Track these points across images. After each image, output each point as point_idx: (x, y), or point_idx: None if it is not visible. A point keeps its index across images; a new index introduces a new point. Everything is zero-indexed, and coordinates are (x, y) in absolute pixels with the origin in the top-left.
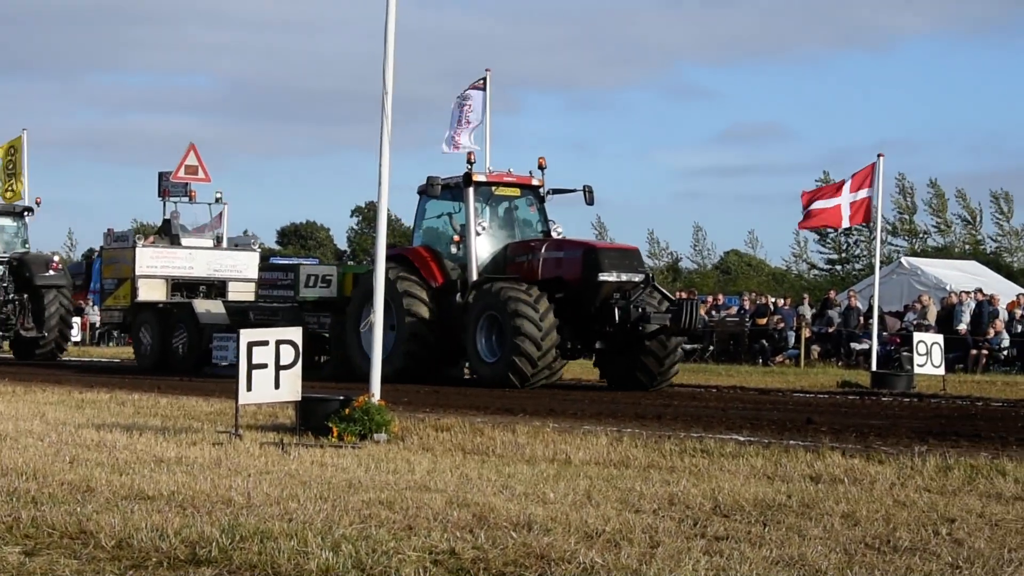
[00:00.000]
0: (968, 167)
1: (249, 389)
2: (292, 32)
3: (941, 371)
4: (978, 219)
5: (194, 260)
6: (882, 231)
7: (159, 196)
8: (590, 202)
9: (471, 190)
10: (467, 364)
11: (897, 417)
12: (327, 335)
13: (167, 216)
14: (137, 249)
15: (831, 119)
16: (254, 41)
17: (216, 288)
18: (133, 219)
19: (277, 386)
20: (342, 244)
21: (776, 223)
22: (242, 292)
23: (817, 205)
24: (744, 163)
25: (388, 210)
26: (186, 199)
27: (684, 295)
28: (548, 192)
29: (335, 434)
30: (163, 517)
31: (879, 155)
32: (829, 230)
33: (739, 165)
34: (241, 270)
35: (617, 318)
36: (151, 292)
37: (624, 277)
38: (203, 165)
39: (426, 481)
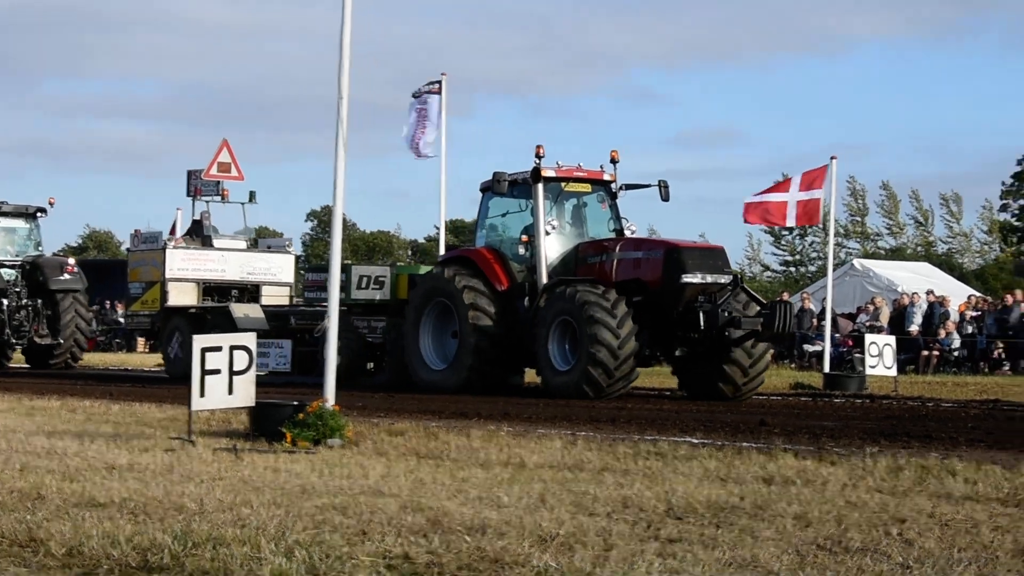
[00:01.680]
0: (918, 170)
1: (202, 395)
2: (246, 38)
3: (893, 372)
4: (929, 221)
5: (227, 262)
6: (835, 232)
7: (188, 195)
8: (665, 198)
9: (540, 186)
10: (524, 372)
11: (849, 418)
12: (379, 340)
13: (197, 216)
14: (167, 251)
15: (783, 123)
16: (207, 47)
17: (249, 292)
18: (85, 224)
19: (231, 392)
20: (298, 247)
21: (729, 226)
22: (276, 296)
23: (763, 198)
24: (696, 167)
25: (343, 215)
26: (218, 198)
27: (779, 297)
28: (621, 188)
29: (289, 439)
30: (115, 524)
31: (832, 157)
32: (784, 232)
33: (691, 169)
34: (275, 273)
35: (702, 323)
36: (181, 296)
37: (709, 279)
38: (236, 162)
39: (380, 486)
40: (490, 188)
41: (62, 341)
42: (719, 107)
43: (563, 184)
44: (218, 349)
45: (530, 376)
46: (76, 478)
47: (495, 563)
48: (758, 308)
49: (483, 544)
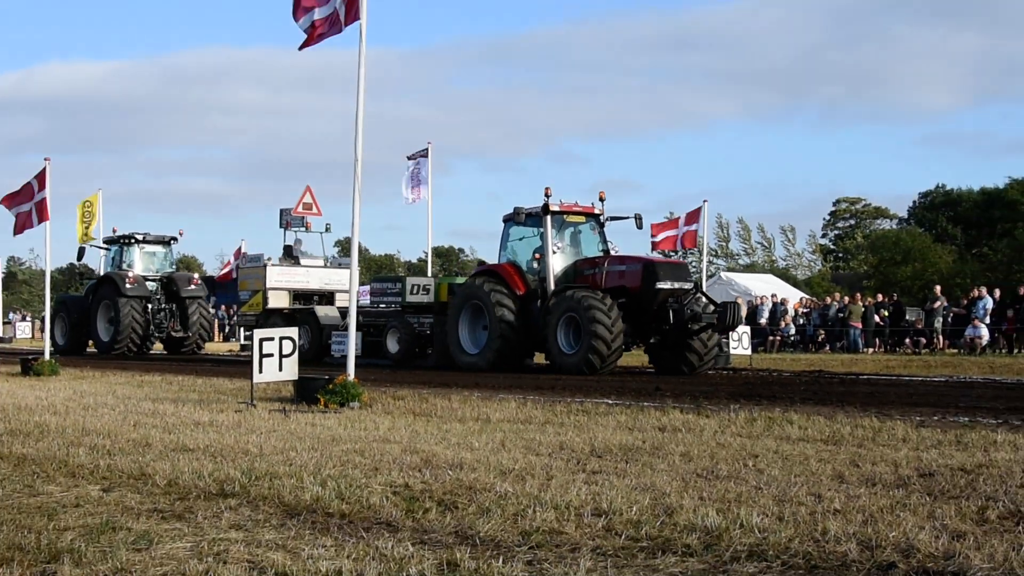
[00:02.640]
0: (765, 209)
1: (260, 371)
2: (281, 117)
3: (748, 352)
4: (772, 245)
5: (310, 276)
6: (707, 254)
7: (280, 227)
8: (640, 226)
9: (548, 217)
10: (534, 355)
11: (719, 385)
12: (427, 332)
13: (288, 243)
14: (268, 267)
15: (668, 176)
16: (255, 124)
17: (326, 297)
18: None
19: (281, 369)
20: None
21: (632, 250)
22: (345, 300)
23: (662, 235)
24: (608, 208)
25: (359, 243)
26: (303, 229)
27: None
28: (606, 219)
29: (322, 403)
30: (200, 463)
31: (704, 201)
32: (672, 253)
33: (605, 209)
34: (345, 283)
35: (671, 318)
36: (278, 300)
37: (676, 285)
38: (316, 202)
39: (387, 436)
40: (511, 219)
41: (190, 334)
42: (623, 164)
43: (564, 216)
44: (271, 339)
45: (538, 358)
46: (172, 431)
47: (470, 489)
48: (713, 307)
49: (461, 476)
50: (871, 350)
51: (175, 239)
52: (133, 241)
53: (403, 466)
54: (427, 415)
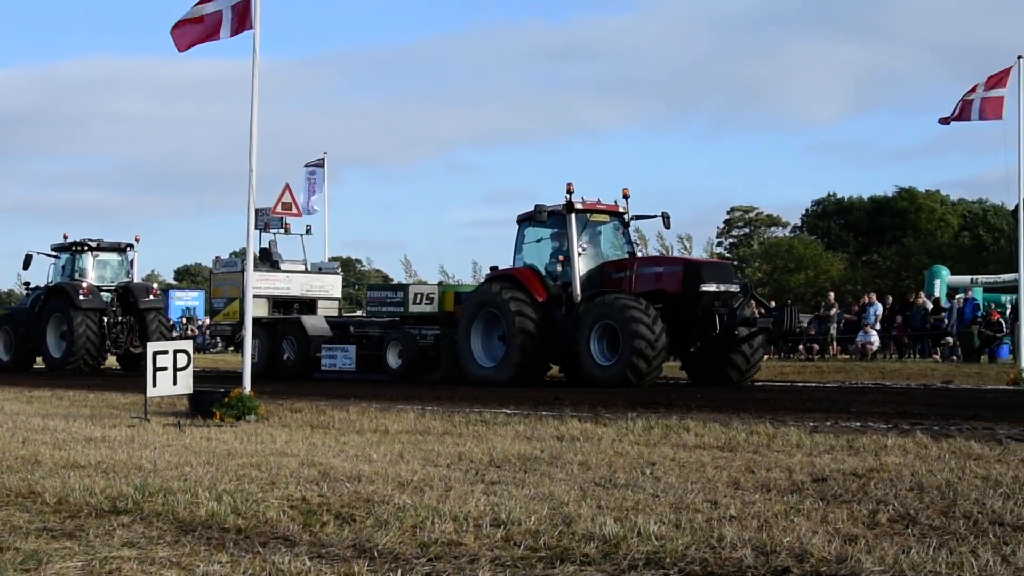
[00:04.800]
0: None
1: (154, 385)
2: (170, 126)
3: None
4: (670, 253)
5: (291, 282)
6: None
7: (256, 229)
8: (668, 226)
9: (573, 216)
10: (548, 368)
11: (617, 394)
12: (428, 344)
13: (264, 245)
14: (246, 273)
15: (561, 185)
16: (143, 134)
17: (307, 305)
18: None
19: (175, 383)
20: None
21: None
22: (328, 308)
23: None
24: (503, 217)
25: (254, 254)
26: (282, 231)
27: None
28: (631, 218)
29: (218, 416)
30: (92, 480)
31: None
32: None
33: (499, 219)
34: (328, 290)
35: (718, 324)
36: (256, 309)
37: (722, 287)
38: (296, 202)
39: (284, 448)
40: (527, 219)
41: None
42: (517, 173)
43: (588, 215)
44: (165, 352)
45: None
46: (63, 447)
47: (367, 502)
48: (762, 311)
49: (359, 489)
50: (766, 356)
51: (131, 246)
52: (86, 248)
53: (300, 479)
54: (325, 427)
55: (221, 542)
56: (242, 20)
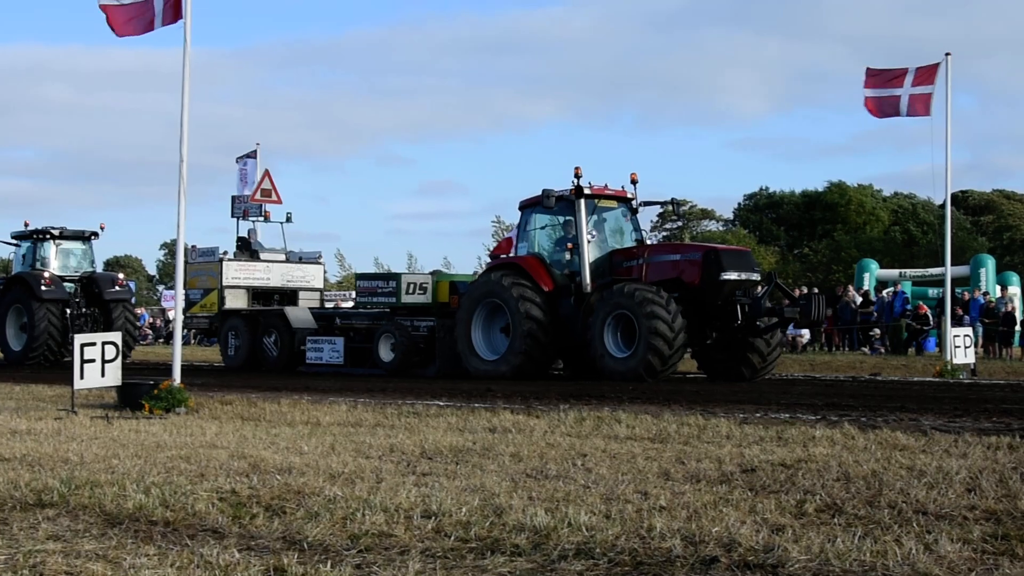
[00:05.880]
0: None
1: (82, 377)
2: (95, 116)
3: None
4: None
5: (271, 272)
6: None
7: (233, 216)
8: (677, 213)
9: (582, 202)
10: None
11: (549, 386)
12: (421, 336)
13: (242, 234)
14: (224, 263)
15: (492, 178)
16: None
17: (288, 296)
18: None
19: (103, 375)
20: (152, 270)
21: (462, 250)
22: (310, 300)
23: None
24: (435, 210)
25: (186, 244)
26: (261, 219)
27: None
28: (639, 204)
29: (147, 409)
30: (17, 473)
31: None
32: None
33: (431, 211)
34: (309, 280)
35: (740, 315)
36: (236, 300)
37: (744, 276)
38: (276, 189)
39: (214, 441)
40: (530, 205)
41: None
42: (447, 166)
43: (596, 201)
44: (93, 344)
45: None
46: None
47: (298, 494)
48: (790, 301)
49: (290, 481)
50: None
51: (96, 235)
52: (48, 237)
53: (230, 472)
54: (256, 419)
55: (149, 535)
56: (174, 10)
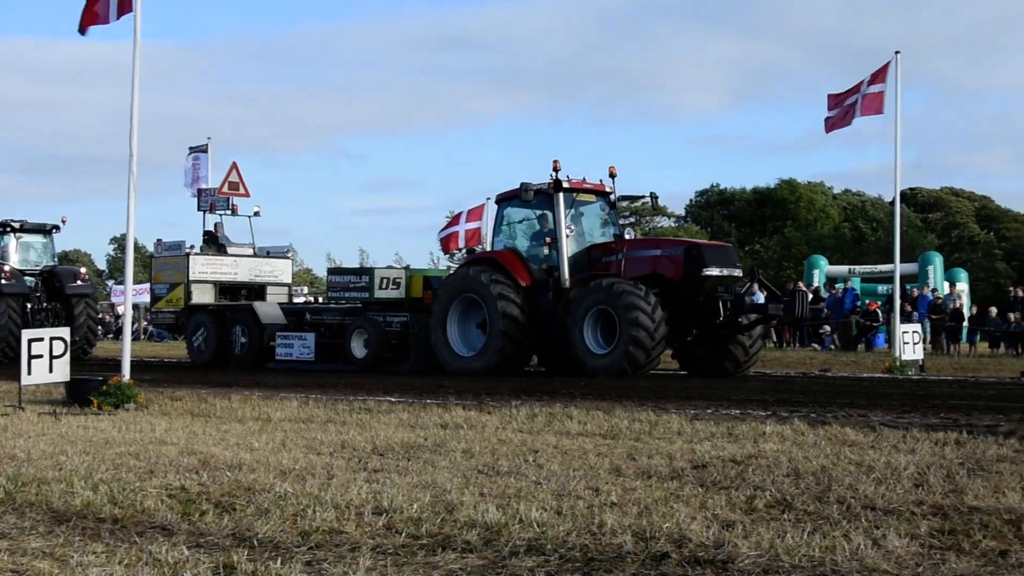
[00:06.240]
0: None
1: (29, 373)
2: (44, 110)
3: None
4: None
5: (238, 266)
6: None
7: (199, 210)
8: (656, 207)
9: (560, 195)
10: (531, 358)
11: (502, 382)
12: (395, 332)
13: (209, 228)
14: (191, 257)
15: (447, 174)
16: (16, 117)
17: (256, 291)
18: None
19: (51, 371)
20: (101, 265)
21: (415, 246)
22: (278, 295)
23: (447, 231)
24: (387, 205)
25: (135, 239)
26: (229, 212)
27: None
28: (617, 198)
29: (96, 405)
30: None
31: (487, 198)
32: (455, 251)
33: (383, 207)
34: (277, 275)
35: (722, 311)
36: (203, 295)
37: (725, 271)
38: (243, 182)
39: (164, 437)
40: (507, 199)
41: (77, 338)
42: (402, 162)
43: (575, 194)
44: (41, 340)
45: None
46: None
47: (248, 491)
48: (773, 297)
49: (240, 478)
50: None
51: (57, 228)
52: (8, 229)
53: (179, 468)
54: (206, 416)
55: (96, 532)
56: (124, 2)
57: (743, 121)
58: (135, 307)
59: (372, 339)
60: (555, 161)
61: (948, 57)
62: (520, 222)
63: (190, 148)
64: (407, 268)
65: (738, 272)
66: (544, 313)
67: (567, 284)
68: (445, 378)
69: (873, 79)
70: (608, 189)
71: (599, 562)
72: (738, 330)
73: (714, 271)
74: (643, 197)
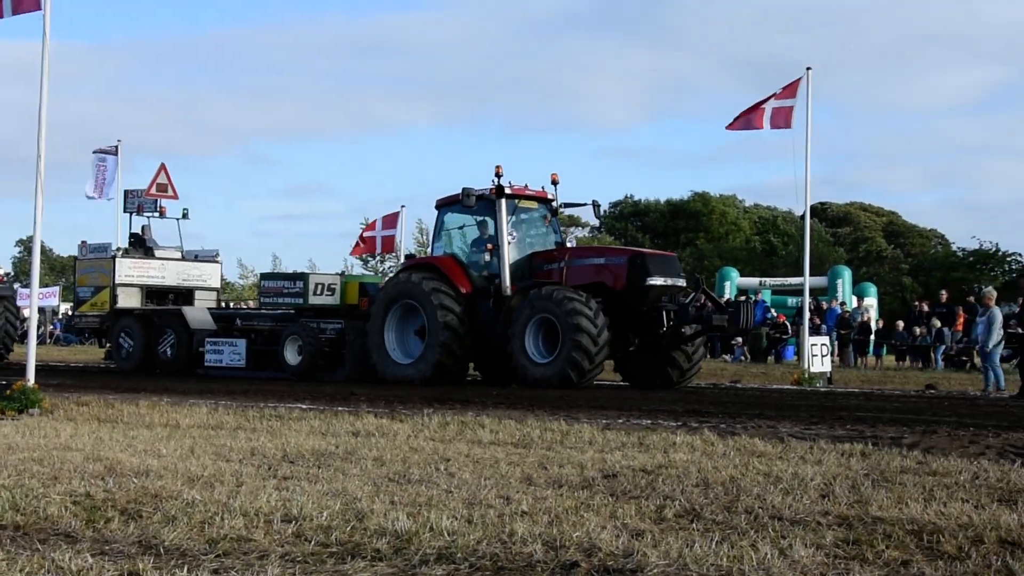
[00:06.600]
0: None
1: None
2: None
3: None
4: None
5: (166, 270)
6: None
7: (125, 211)
8: (597, 215)
9: (503, 201)
10: (468, 367)
11: (413, 390)
12: (329, 339)
13: (135, 231)
14: (117, 260)
15: (362, 180)
16: None
17: (183, 295)
18: None
19: None
20: (7, 267)
21: (328, 252)
22: (206, 300)
23: (365, 235)
24: (301, 211)
25: (42, 242)
26: (156, 214)
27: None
28: (559, 205)
29: None
30: None
31: (402, 206)
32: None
33: (297, 212)
34: (206, 279)
35: (666, 321)
36: (129, 299)
37: (669, 281)
38: (172, 184)
39: (69, 443)
40: (448, 204)
41: None
42: (315, 168)
43: (517, 201)
44: None
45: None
46: None
47: (155, 498)
48: (717, 308)
49: (147, 484)
50: None
51: None
52: None
53: (85, 474)
54: (113, 421)
55: None
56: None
57: (657, 132)
58: (41, 311)
59: (306, 346)
60: (497, 166)
61: (858, 74)
62: (460, 228)
63: (95, 150)
64: (342, 274)
65: (682, 282)
66: (484, 321)
67: (508, 292)
68: (354, 387)
69: (783, 94)
70: (550, 196)
71: (509, 571)
72: (681, 341)
73: (658, 281)
74: (584, 204)
